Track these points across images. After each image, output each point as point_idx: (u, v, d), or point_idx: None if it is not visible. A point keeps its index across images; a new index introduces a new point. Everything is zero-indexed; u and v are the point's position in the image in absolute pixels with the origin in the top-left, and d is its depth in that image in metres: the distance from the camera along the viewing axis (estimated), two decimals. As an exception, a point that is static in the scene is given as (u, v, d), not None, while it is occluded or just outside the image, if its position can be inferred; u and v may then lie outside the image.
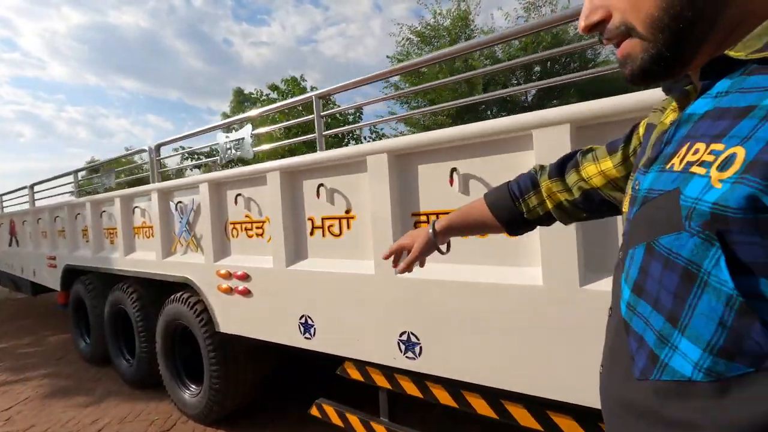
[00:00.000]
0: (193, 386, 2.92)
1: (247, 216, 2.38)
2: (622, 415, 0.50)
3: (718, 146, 0.40)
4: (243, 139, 2.93)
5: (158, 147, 3.61)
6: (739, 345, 0.38)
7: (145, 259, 3.16)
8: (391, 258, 1.08)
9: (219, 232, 2.54)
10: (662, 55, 0.47)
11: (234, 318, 2.41)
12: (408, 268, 1.01)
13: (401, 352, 1.66)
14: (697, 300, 0.41)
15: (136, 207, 3.27)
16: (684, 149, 0.45)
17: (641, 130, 0.69)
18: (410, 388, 1.72)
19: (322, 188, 1.98)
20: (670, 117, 0.57)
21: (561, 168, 0.83)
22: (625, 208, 0.57)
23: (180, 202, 2.83)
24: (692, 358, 0.41)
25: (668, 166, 0.46)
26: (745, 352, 0.38)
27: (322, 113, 2.41)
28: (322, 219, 2.01)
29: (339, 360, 1.97)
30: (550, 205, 0.84)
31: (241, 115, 3.21)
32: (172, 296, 2.89)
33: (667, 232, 0.43)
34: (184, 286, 2.81)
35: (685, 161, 0.43)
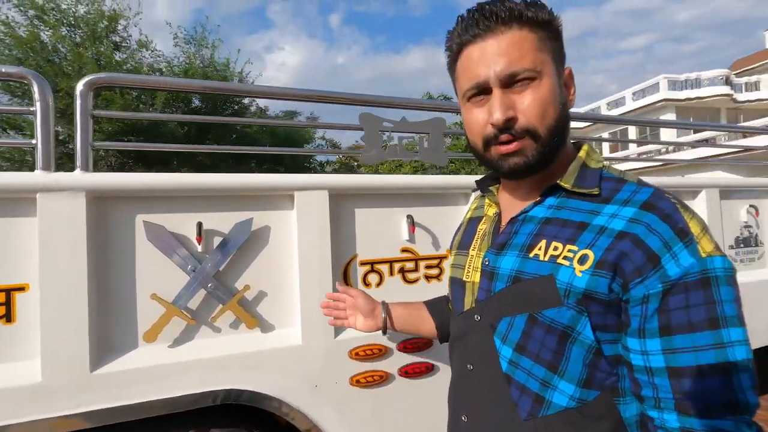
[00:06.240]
0: None
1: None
2: None
3: (573, 247, 0.62)
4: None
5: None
6: (593, 376, 0.61)
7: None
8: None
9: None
10: (545, 155, 0.65)
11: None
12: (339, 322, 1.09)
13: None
14: (570, 352, 0.62)
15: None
16: (543, 244, 0.65)
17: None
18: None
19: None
20: (491, 209, 0.79)
21: None
22: (468, 276, 0.76)
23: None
24: (568, 392, 0.62)
25: (532, 255, 0.66)
26: (595, 381, 0.61)
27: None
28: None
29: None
30: None
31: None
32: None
33: (549, 307, 0.62)
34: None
35: (549, 254, 0.64)
